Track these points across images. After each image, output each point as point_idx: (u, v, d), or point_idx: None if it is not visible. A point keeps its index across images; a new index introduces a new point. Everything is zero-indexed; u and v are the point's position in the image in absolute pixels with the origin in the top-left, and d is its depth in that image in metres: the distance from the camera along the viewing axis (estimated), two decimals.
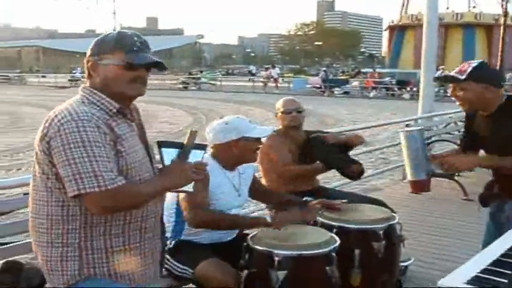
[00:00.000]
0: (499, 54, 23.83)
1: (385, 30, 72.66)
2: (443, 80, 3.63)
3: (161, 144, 2.47)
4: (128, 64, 2.28)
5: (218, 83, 42.64)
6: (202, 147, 2.63)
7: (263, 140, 3.80)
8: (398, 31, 63.70)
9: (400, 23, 63.94)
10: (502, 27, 23.86)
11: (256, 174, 3.97)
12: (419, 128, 3.64)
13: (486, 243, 3.60)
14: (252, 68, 54.04)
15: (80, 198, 2.16)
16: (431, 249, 5.45)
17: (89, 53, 2.34)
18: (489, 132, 3.39)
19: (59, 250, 2.26)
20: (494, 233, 3.59)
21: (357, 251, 3.35)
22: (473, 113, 3.54)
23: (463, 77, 3.26)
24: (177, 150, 2.49)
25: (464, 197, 7.41)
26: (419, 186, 3.57)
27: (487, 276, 2.03)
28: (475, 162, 3.49)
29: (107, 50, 2.31)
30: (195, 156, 2.51)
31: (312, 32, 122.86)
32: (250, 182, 3.74)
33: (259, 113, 22.31)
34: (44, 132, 2.20)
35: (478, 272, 2.06)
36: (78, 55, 75.60)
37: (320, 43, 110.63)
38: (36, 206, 2.30)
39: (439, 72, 3.39)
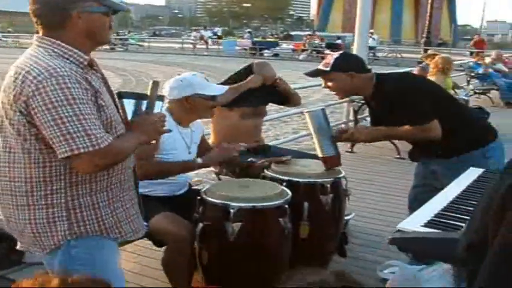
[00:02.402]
0: (427, 18, 24.34)
1: None
2: (311, 75, 3.87)
3: (122, 95, 2.44)
4: (111, 10, 2.22)
5: (146, 44, 41.96)
6: (161, 98, 2.65)
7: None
8: None
9: None
10: None
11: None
12: (322, 107, 3.85)
13: (414, 195, 3.88)
14: (218, 30, 53.24)
15: (69, 159, 2.07)
16: (369, 205, 5.66)
17: (54, 3, 2.17)
18: (377, 112, 3.66)
19: (44, 212, 2.18)
20: (421, 186, 3.87)
21: (305, 204, 3.45)
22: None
23: (328, 68, 3.54)
24: (135, 100, 2.48)
25: (397, 156, 7.70)
26: (330, 162, 3.68)
27: (439, 219, 2.20)
28: (369, 135, 3.71)
29: None
30: (157, 107, 2.51)
31: None
32: (199, 140, 3.78)
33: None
34: (17, 91, 2.06)
35: (432, 216, 2.23)
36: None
37: (248, 5, 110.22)
38: (9, 170, 2.19)
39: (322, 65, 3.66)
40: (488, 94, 13.30)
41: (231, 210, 3.01)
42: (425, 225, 2.13)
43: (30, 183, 2.16)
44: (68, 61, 2.16)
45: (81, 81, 2.11)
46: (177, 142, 3.48)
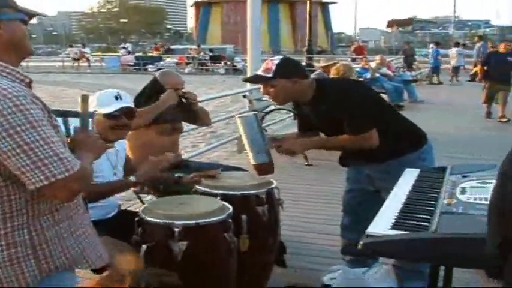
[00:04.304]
0: (307, 27, 25.21)
1: (191, 6, 73.06)
2: (252, 81, 3.88)
3: (55, 114, 2.24)
4: (28, 15, 2.03)
5: (24, 64, 40.24)
6: (90, 114, 2.50)
7: None
8: (205, 7, 64.36)
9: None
10: (308, 2, 25.25)
11: None
12: (254, 112, 3.81)
13: (348, 199, 3.95)
14: (128, 45, 51.74)
15: (41, 188, 1.85)
16: (286, 213, 5.66)
17: None
18: (314, 118, 3.64)
19: (5, 253, 1.91)
20: (356, 190, 3.94)
21: (243, 217, 3.38)
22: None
23: (270, 75, 3.44)
24: (61, 118, 2.32)
25: (306, 163, 7.82)
26: (264, 169, 3.62)
27: (403, 221, 2.25)
28: (306, 146, 3.72)
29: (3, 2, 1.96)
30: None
31: (115, 9, 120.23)
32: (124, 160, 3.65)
33: (74, 94, 21.46)
34: None
35: (395, 219, 2.27)
36: None
37: (125, 20, 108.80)
38: None
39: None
40: None
41: (176, 229, 2.92)
42: (393, 228, 2.16)
43: None
44: (9, 80, 1.91)
45: (35, 100, 1.89)
46: (103, 163, 3.31)
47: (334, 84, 3.92)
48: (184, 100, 4.63)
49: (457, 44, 25.95)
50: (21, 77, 1.96)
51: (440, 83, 22.33)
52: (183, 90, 4.64)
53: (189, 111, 4.70)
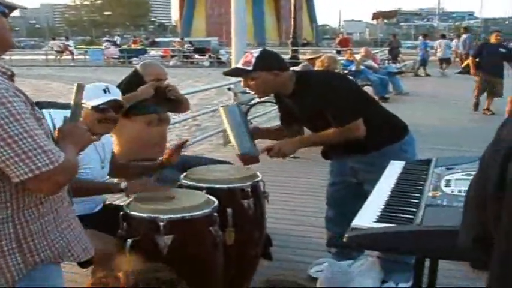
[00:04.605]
0: (291, 20, 25.27)
1: None
2: (232, 74, 3.88)
3: (42, 105, 2.27)
4: (8, 8, 2.02)
5: (7, 57, 39.89)
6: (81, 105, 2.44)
7: None
8: (189, 0, 64.18)
9: None
10: None
11: None
12: (236, 102, 3.80)
13: (331, 192, 3.95)
14: (117, 38, 51.32)
15: (25, 181, 1.84)
16: (272, 206, 5.67)
17: None
18: (297, 111, 3.64)
19: None
20: (339, 183, 3.95)
21: (229, 210, 3.37)
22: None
23: (250, 67, 3.43)
24: (49, 110, 2.31)
25: (292, 156, 7.78)
26: (248, 159, 3.62)
27: (388, 213, 2.25)
28: (296, 145, 3.72)
29: None
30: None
31: (99, 2, 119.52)
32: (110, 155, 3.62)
33: (58, 87, 21.39)
34: None
35: (380, 212, 2.28)
36: None
37: (109, 13, 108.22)
38: None
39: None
40: None
41: (161, 223, 2.90)
42: (378, 221, 2.16)
43: None
44: None
45: (18, 93, 1.88)
46: (92, 155, 3.30)
47: (318, 77, 3.93)
48: (169, 94, 4.62)
49: (443, 36, 25.97)
50: (3, 70, 1.95)
51: (427, 75, 22.25)
52: (165, 82, 4.63)
53: (171, 100, 4.68)
